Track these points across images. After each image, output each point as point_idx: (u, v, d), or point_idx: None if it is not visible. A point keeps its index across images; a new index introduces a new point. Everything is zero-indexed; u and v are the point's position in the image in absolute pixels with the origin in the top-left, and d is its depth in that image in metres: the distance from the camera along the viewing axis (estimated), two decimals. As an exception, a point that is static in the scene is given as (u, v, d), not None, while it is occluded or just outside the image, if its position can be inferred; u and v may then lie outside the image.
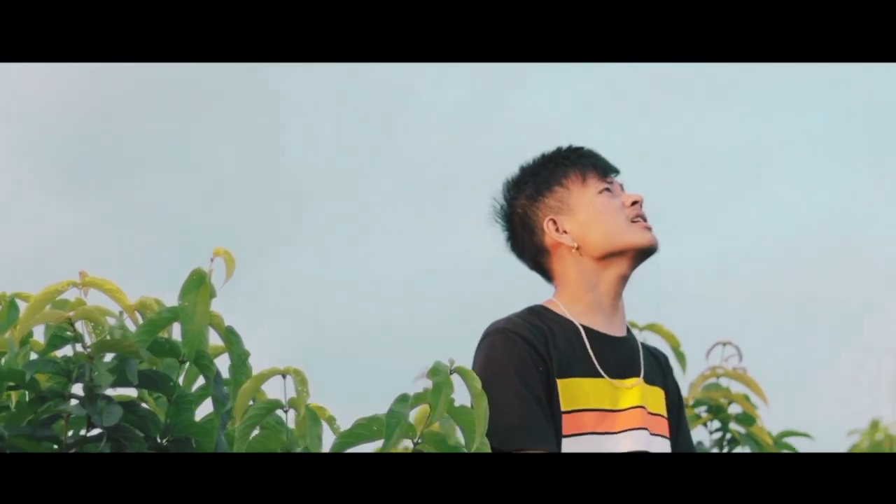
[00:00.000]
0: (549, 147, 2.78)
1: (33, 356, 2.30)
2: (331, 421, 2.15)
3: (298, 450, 2.07)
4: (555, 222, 2.64)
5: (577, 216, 2.63)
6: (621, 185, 2.71)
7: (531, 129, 7.11)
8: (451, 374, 2.09)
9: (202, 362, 2.11)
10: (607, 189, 2.65)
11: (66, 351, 2.17)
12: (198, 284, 2.10)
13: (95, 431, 2.10)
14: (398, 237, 7.17)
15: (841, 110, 7.47)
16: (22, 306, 2.28)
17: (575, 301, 2.62)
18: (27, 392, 2.18)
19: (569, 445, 2.49)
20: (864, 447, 6.67)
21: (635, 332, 2.88)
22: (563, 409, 2.49)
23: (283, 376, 2.06)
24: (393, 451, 2.05)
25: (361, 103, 7.17)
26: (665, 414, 2.63)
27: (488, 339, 2.54)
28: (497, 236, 2.76)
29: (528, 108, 7.35)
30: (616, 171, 2.71)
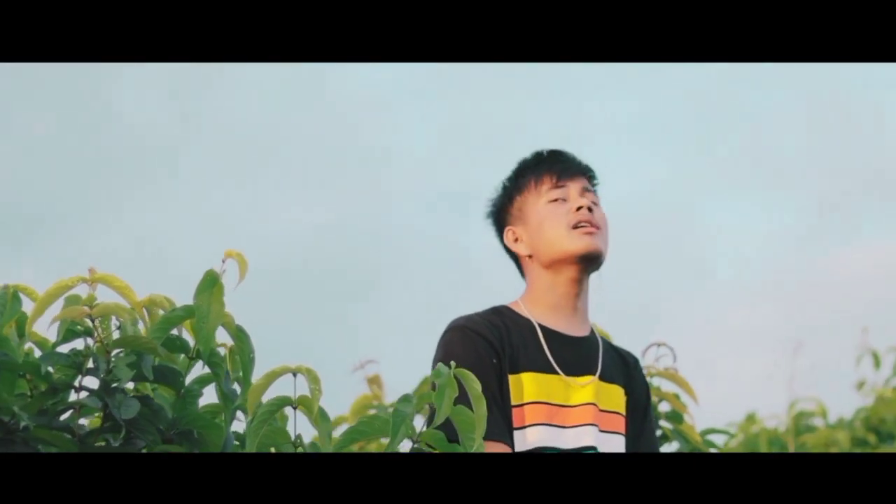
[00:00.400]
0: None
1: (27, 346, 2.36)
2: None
3: (306, 445, 2.17)
4: (513, 232, 2.79)
5: (529, 225, 2.76)
6: (586, 188, 2.79)
7: (351, 104, 7.30)
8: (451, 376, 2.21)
9: (213, 360, 2.19)
10: (560, 197, 2.75)
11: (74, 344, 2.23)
12: (211, 285, 2.18)
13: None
14: (217, 208, 7.26)
15: (656, 101, 7.78)
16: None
17: (536, 303, 2.75)
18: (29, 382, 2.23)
19: (517, 438, 2.62)
20: (740, 440, 6.95)
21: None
22: (512, 402, 2.63)
23: (294, 374, 2.16)
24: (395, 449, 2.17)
25: (180, 74, 7.23)
26: (621, 412, 2.76)
27: (448, 336, 2.67)
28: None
29: (347, 85, 7.47)
30: (579, 174, 2.80)
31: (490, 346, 2.63)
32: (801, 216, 7.98)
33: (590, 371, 2.73)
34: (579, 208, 2.73)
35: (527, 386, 2.65)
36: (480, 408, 2.20)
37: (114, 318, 2.13)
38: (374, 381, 3.96)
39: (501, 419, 2.59)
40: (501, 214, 2.83)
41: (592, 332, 2.81)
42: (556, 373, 2.68)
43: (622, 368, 2.82)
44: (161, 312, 2.24)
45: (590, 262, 2.73)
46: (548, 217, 2.74)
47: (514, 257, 2.82)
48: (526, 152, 2.88)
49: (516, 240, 2.78)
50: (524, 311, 2.74)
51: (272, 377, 2.16)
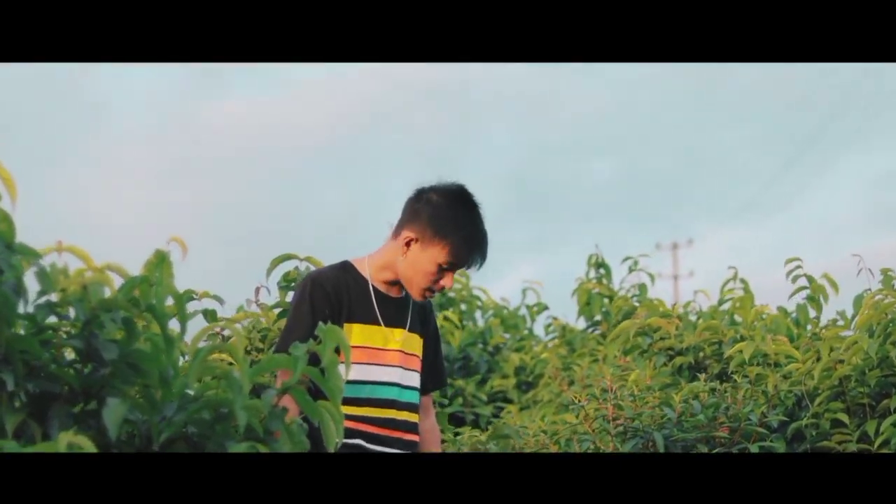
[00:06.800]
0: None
1: None
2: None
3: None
4: (411, 239, 3.77)
5: (419, 255, 3.76)
6: (462, 274, 4.02)
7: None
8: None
9: (160, 313, 3.01)
10: (445, 271, 3.75)
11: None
12: (162, 261, 3.00)
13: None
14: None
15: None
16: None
17: (377, 270, 3.82)
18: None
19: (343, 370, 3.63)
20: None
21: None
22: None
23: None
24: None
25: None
26: (419, 354, 3.86)
27: (304, 282, 3.73)
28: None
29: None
30: (473, 266, 3.80)
31: (327, 299, 3.66)
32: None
33: (402, 325, 3.82)
34: (442, 290, 3.80)
35: (355, 333, 3.70)
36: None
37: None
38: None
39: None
40: (419, 219, 3.79)
41: (406, 294, 3.87)
42: (379, 324, 3.74)
43: (422, 318, 3.89)
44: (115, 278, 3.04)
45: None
46: (427, 273, 3.76)
47: (395, 235, 3.83)
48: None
49: (408, 242, 3.76)
50: (365, 271, 3.80)
51: (207, 330, 3.03)
